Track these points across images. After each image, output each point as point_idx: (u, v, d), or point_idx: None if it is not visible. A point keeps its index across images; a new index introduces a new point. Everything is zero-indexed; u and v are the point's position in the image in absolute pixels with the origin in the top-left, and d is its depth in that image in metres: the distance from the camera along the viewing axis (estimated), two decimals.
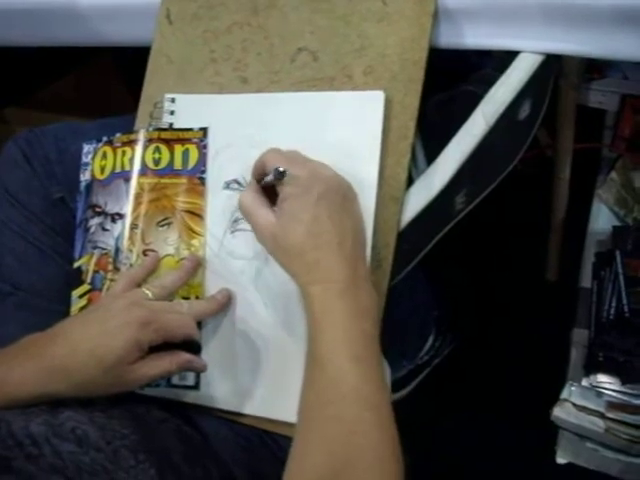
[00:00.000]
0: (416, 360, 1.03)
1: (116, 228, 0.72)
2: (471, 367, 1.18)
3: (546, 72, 0.71)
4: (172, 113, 0.75)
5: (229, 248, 0.70)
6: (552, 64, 0.71)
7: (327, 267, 0.57)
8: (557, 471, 0.96)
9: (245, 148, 0.71)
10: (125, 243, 0.71)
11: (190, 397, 0.68)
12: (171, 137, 0.73)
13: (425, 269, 0.74)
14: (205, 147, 0.72)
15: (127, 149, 0.73)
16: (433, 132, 0.68)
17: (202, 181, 0.71)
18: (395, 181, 0.65)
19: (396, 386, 0.96)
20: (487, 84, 0.68)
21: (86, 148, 0.76)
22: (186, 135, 0.72)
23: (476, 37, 0.69)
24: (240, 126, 0.71)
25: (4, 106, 1.17)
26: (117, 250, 0.71)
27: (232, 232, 0.70)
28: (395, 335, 0.66)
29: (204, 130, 0.72)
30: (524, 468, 1.08)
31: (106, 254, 0.72)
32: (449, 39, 0.69)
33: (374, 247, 0.64)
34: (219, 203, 0.71)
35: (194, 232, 0.70)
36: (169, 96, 0.75)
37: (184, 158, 0.72)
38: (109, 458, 0.53)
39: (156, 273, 0.69)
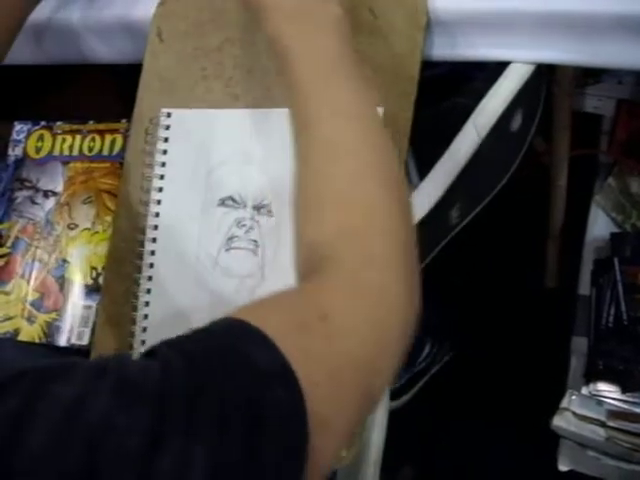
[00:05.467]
0: (413, 367, 1.03)
1: (48, 203, 0.83)
2: (470, 376, 1.18)
3: (537, 82, 0.71)
4: (167, 128, 0.75)
5: (223, 266, 0.70)
6: (543, 74, 0.71)
7: None
8: (559, 479, 0.96)
9: (241, 164, 0.71)
10: (55, 217, 0.82)
11: None
12: (105, 128, 0.84)
13: (422, 277, 0.74)
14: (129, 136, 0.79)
15: (68, 137, 0.84)
16: (425, 146, 0.68)
17: (122, 165, 0.80)
18: None
19: (395, 394, 0.96)
20: (478, 96, 0.68)
21: (19, 126, 0.88)
22: (116, 126, 0.84)
23: (467, 48, 0.69)
24: (236, 142, 0.71)
25: None
26: (47, 222, 0.83)
27: (227, 250, 0.70)
28: None
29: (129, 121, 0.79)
30: (525, 476, 1.07)
31: (34, 224, 0.83)
32: (441, 51, 0.69)
33: None
34: (214, 220, 0.71)
35: (109, 210, 0.81)
36: (165, 111, 0.75)
37: (111, 146, 0.83)
38: None
39: (74, 244, 0.81)
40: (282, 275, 0.67)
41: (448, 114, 0.73)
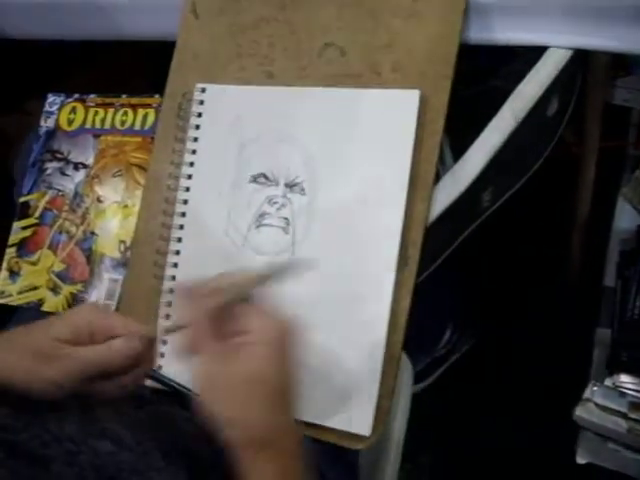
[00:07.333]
0: (433, 353, 1.03)
1: (78, 175, 0.84)
2: (492, 365, 1.18)
3: (574, 68, 0.71)
4: (201, 103, 0.75)
5: (253, 243, 0.70)
6: (580, 59, 0.71)
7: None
8: (576, 471, 0.96)
9: (274, 142, 0.70)
10: (84, 189, 0.83)
11: None
12: (137, 103, 0.84)
13: (444, 264, 0.74)
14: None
15: (100, 110, 0.86)
16: (460, 128, 0.68)
17: (153, 140, 0.80)
18: (423, 178, 0.64)
19: (414, 379, 0.96)
20: (515, 79, 0.68)
21: (52, 98, 0.88)
22: (149, 101, 0.84)
23: (505, 32, 0.69)
24: (270, 119, 0.71)
25: (27, 99, 1.18)
26: (76, 194, 0.84)
27: (257, 227, 0.70)
28: (412, 328, 0.66)
29: (162, 97, 0.80)
30: (543, 468, 1.07)
31: (62, 196, 0.84)
32: (479, 35, 0.69)
33: (402, 245, 0.63)
34: (245, 197, 0.71)
35: (139, 184, 0.81)
36: (199, 86, 0.75)
37: (143, 120, 0.83)
38: (140, 459, 0.53)
39: (103, 217, 0.81)
40: (312, 254, 0.67)
41: (484, 97, 0.72)
